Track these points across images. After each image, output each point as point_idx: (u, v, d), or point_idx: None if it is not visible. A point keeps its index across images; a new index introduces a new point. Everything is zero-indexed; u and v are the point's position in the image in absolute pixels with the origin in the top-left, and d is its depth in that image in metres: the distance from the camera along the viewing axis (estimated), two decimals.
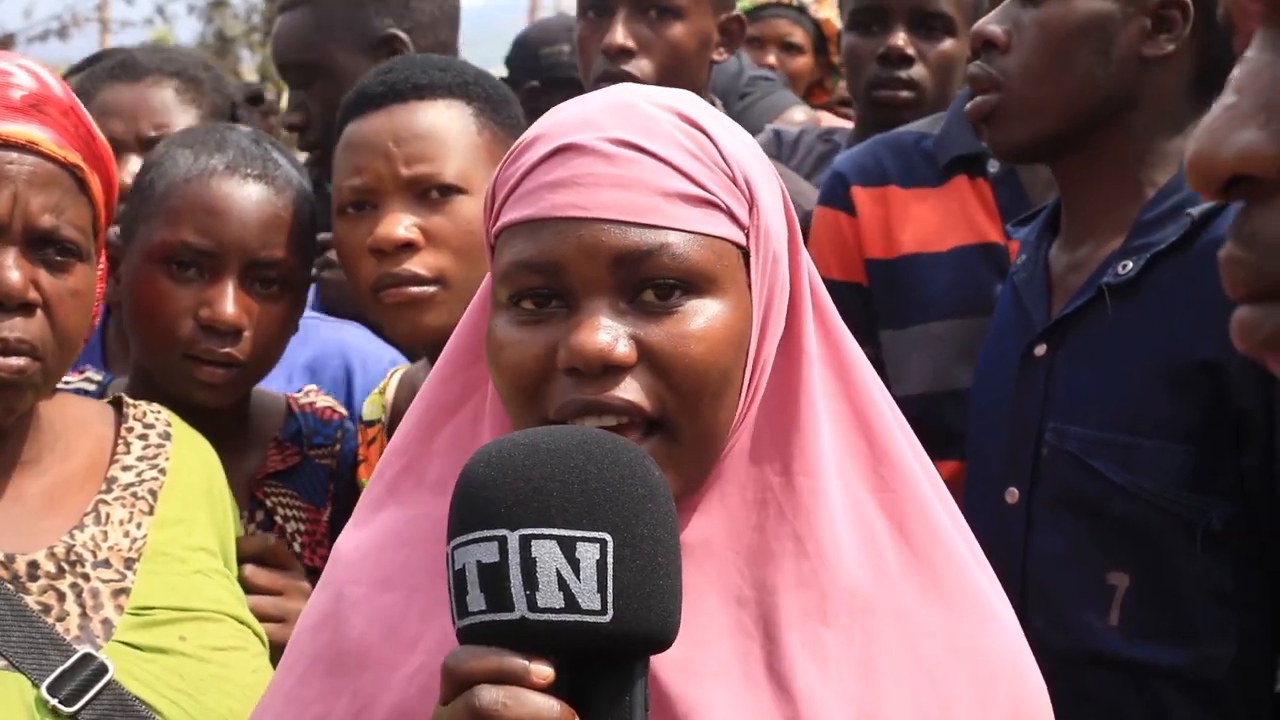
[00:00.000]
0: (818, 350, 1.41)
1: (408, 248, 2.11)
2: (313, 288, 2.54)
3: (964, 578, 1.42)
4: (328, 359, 2.55)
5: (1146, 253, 2.09)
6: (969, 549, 1.45)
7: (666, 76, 2.90)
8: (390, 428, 2.23)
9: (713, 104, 2.20)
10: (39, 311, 1.77)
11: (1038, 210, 2.37)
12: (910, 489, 1.42)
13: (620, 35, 2.99)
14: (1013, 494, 2.13)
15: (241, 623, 1.86)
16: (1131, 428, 2.05)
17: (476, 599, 1.16)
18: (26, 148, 1.77)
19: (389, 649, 1.39)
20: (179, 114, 2.74)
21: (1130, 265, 2.09)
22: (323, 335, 2.55)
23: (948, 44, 3.07)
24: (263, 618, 1.93)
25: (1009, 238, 2.53)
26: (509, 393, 1.34)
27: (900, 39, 3.03)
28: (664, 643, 1.19)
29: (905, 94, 3.07)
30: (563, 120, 1.36)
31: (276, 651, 1.88)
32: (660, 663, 1.29)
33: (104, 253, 1.94)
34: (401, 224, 2.11)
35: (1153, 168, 2.14)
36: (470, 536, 1.17)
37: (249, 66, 17.36)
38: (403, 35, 3.10)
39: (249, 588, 1.98)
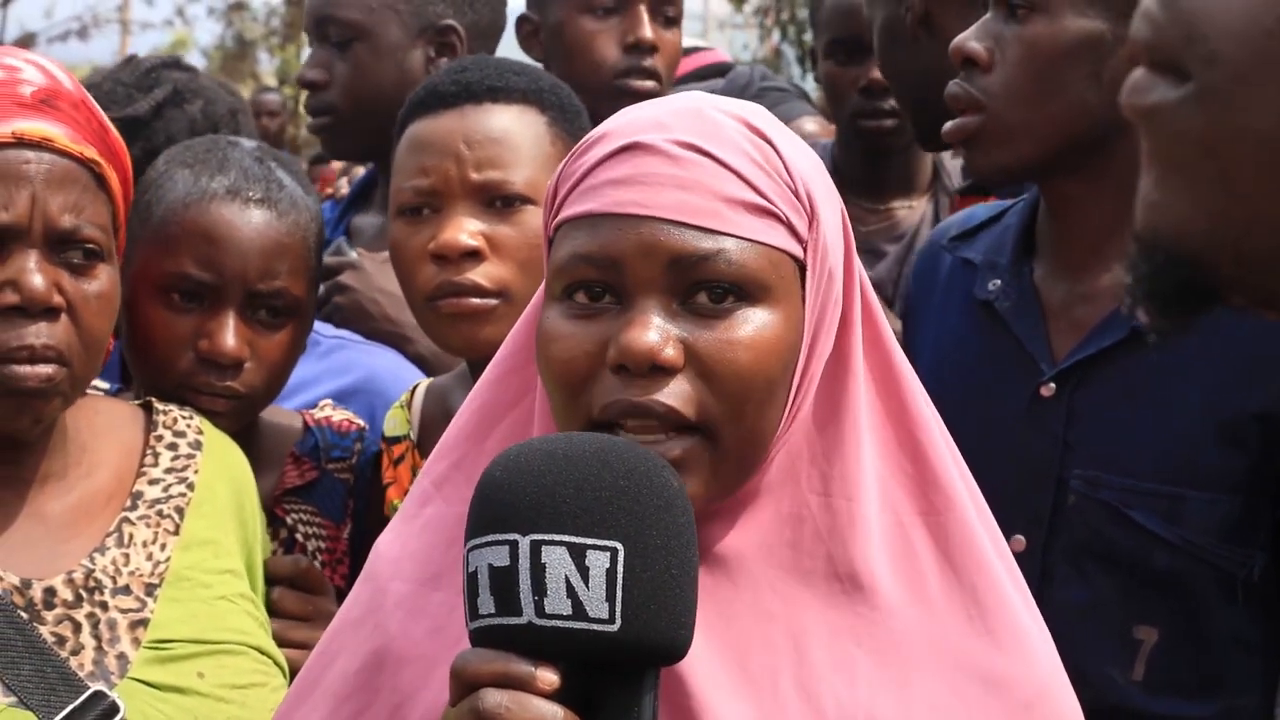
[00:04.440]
0: (867, 369, 1.42)
1: (471, 256, 2.01)
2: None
3: (1006, 605, 1.42)
4: (358, 388, 2.45)
5: None
6: (1010, 575, 1.45)
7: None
8: (419, 442, 2.17)
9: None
10: (64, 316, 1.71)
11: (979, 224, 2.23)
12: (957, 514, 1.42)
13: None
14: (1019, 542, 2.00)
15: (264, 653, 1.80)
16: (1176, 478, 1.96)
17: (487, 601, 1.18)
18: (42, 145, 1.71)
19: (433, 646, 1.39)
20: None
21: None
22: (353, 361, 2.46)
23: None
24: (287, 644, 1.87)
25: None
26: (555, 386, 1.35)
27: (878, 71, 3.07)
28: (674, 655, 1.19)
29: (889, 123, 3.23)
30: (630, 120, 1.38)
31: None
32: (689, 673, 1.30)
33: (122, 251, 1.88)
34: (466, 230, 2.01)
35: None
36: (484, 539, 1.18)
37: (267, 69, 17.39)
38: (460, 30, 3.01)
39: (276, 611, 1.92)
